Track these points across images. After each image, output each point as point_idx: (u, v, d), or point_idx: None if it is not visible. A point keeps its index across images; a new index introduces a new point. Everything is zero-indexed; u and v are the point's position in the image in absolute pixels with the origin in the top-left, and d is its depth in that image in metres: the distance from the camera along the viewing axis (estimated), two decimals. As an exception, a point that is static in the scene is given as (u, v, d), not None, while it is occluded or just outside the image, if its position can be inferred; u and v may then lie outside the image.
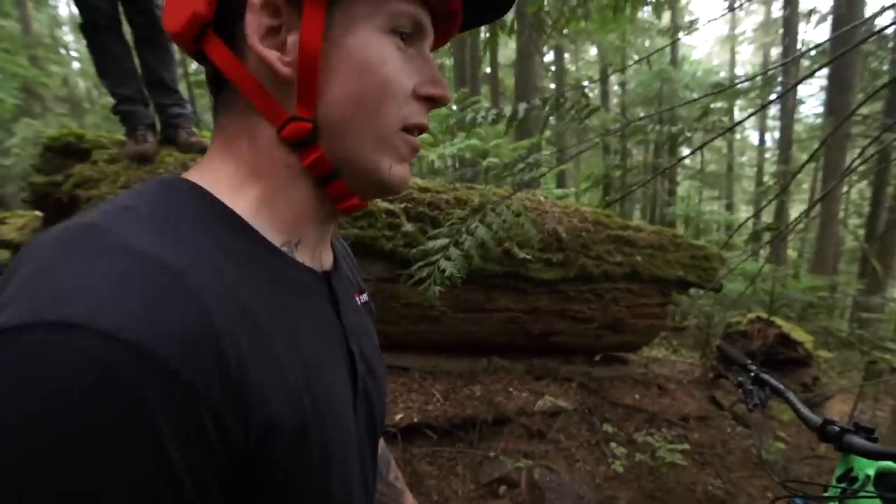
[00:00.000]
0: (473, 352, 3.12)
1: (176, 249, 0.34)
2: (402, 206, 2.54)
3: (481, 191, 2.83)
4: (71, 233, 0.33)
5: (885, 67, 9.64)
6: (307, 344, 0.41)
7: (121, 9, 2.14)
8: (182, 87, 2.60)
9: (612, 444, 2.67)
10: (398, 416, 2.52)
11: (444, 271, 1.65)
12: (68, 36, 16.85)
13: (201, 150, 2.27)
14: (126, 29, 2.19)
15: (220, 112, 0.45)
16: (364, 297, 0.60)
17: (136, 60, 2.23)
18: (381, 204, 2.48)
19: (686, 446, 2.68)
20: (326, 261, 0.51)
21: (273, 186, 0.43)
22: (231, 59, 0.42)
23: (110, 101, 2.28)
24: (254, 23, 0.40)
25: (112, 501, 0.28)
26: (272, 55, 0.40)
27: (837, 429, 1.08)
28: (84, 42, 2.14)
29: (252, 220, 0.42)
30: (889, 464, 1.08)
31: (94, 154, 2.23)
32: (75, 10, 2.12)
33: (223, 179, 0.43)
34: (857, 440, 1.05)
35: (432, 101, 0.46)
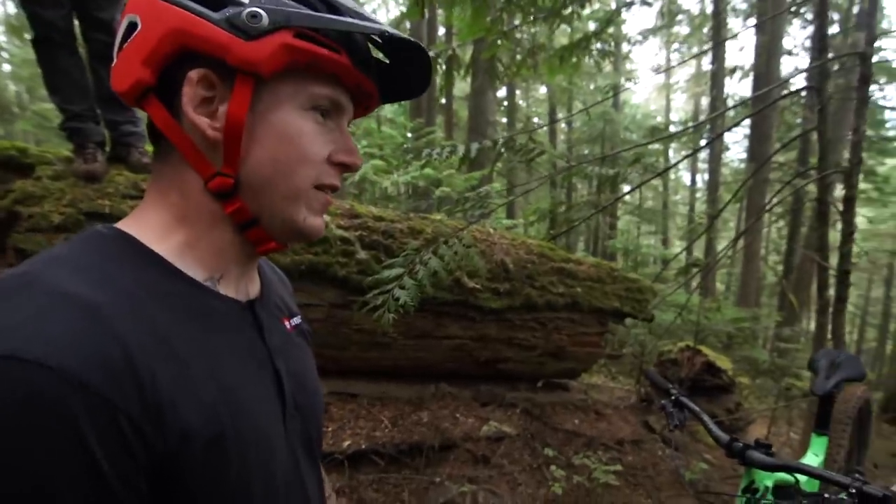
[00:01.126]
0: (423, 378, 3.17)
1: (95, 288, 0.40)
2: (357, 234, 2.60)
3: (435, 221, 2.94)
4: (6, 282, 0.40)
5: (799, 121, 10.76)
6: (227, 366, 0.48)
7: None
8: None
9: (553, 468, 2.78)
10: (346, 443, 2.52)
11: (398, 299, 1.73)
12: (1, 36, 15.87)
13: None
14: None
15: (159, 159, 0.52)
16: (296, 319, 0.66)
17: (88, 74, 2.18)
18: (336, 231, 2.52)
19: (619, 468, 2.83)
20: (252, 290, 0.58)
21: (197, 230, 0.50)
22: (168, 120, 0.49)
23: (44, 106, 2.22)
24: (190, 93, 0.47)
25: (46, 491, 0.34)
26: (203, 122, 0.48)
27: (741, 445, 1.24)
28: (19, 45, 2.07)
29: (177, 261, 0.49)
30: (785, 476, 1.25)
31: (37, 170, 2.15)
32: (11, 10, 2.06)
33: (152, 227, 0.50)
34: (757, 455, 1.20)
35: (345, 167, 0.55)
